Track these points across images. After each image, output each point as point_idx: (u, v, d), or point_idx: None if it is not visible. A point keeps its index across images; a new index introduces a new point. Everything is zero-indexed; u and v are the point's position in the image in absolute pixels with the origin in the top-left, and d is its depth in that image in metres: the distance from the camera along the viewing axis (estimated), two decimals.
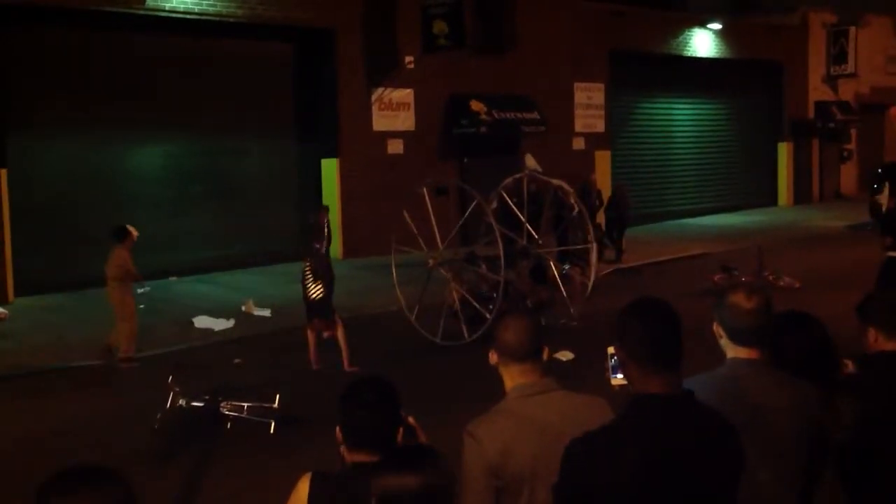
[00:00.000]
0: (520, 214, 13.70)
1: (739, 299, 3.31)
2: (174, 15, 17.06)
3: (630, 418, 2.73)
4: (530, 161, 15.72)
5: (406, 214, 13.02)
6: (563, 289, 13.28)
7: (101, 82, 17.05)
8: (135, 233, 12.12)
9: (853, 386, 3.73)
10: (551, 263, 13.75)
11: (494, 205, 14.05)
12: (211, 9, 17.51)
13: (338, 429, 3.03)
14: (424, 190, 13.23)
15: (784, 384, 3.28)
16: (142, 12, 16.64)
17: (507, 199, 14.00)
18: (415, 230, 12.95)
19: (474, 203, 12.88)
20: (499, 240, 12.11)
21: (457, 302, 12.47)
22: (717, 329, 3.38)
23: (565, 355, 10.85)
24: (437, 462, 2.57)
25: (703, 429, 2.73)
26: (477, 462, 3.07)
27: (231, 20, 17.98)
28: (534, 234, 13.64)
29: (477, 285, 12.80)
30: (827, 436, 3.34)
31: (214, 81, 18.52)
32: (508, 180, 14.40)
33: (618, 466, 2.63)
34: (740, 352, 3.32)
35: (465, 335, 11.99)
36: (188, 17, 17.27)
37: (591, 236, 14.09)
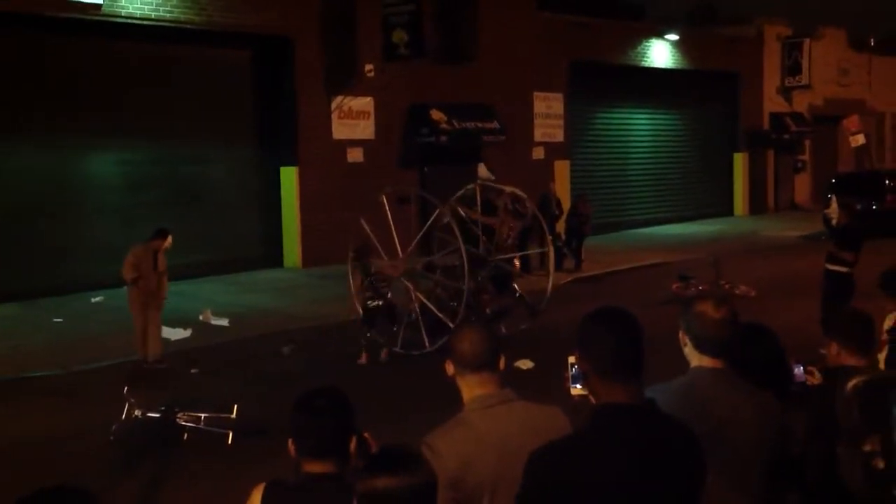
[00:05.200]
0: (473, 225, 13.75)
1: (707, 309, 3.32)
2: (130, 21, 16.87)
3: (594, 428, 2.72)
4: (482, 171, 15.77)
5: (363, 222, 12.95)
6: (525, 296, 13.33)
7: (57, 89, 16.80)
8: (167, 241, 11.89)
9: (803, 400, 3.76)
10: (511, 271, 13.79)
11: (447, 219, 14.08)
12: (168, 15, 17.35)
13: (290, 441, 3.01)
14: (384, 198, 13.20)
15: (748, 394, 3.30)
16: (97, 18, 16.43)
17: (460, 210, 14.05)
18: (373, 238, 12.91)
19: (437, 212, 12.86)
20: (462, 249, 12.11)
21: (416, 310, 12.45)
22: (683, 337, 3.39)
23: (525, 364, 10.87)
24: (420, 464, 2.56)
25: (666, 438, 2.73)
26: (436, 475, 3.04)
27: (188, 27, 17.82)
28: (484, 239, 13.69)
29: (436, 294, 12.78)
30: (787, 446, 3.36)
31: (172, 88, 18.32)
32: (461, 192, 14.45)
33: (582, 476, 2.62)
34: (705, 361, 3.33)
35: (426, 344, 11.98)
36: (145, 23, 17.08)
37: (547, 239, 14.25)
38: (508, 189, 14.25)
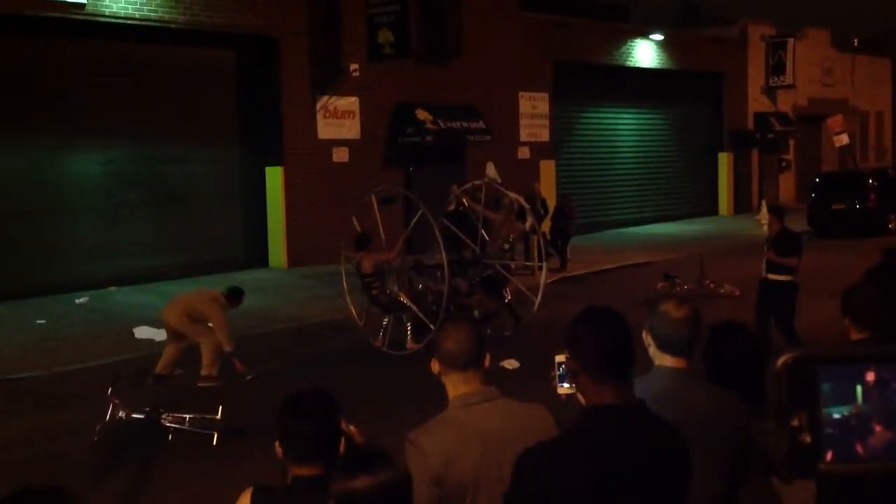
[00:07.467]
0: (476, 219, 13.70)
1: (669, 308, 3.33)
2: (114, 20, 16.77)
3: (584, 429, 2.71)
4: (491, 170, 15.67)
5: (354, 220, 12.94)
6: (513, 304, 13.29)
7: (39, 89, 16.67)
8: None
9: None
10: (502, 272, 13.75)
11: (452, 206, 13.98)
12: (152, 14, 17.26)
13: (277, 443, 2.99)
14: (373, 198, 13.19)
15: (709, 394, 3.32)
16: (81, 17, 16.32)
17: (467, 201, 13.93)
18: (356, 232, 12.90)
19: (419, 213, 12.81)
20: (442, 249, 12.08)
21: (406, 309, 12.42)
22: (646, 338, 3.39)
23: (511, 363, 10.87)
24: (392, 462, 2.55)
25: (656, 439, 2.73)
26: (419, 472, 3.03)
27: (172, 26, 17.74)
28: (486, 238, 13.66)
29: (424, 295, 12.75)
30: (750, 444, 3.36)
31: (156, 88, 18.23)
32: (467, 185, 14.37)
33: (572, 477, 2.62)
34: (667, 360, 3.34)
35: (407, 345, 11.99)
36: (128, 22, 16.99)
37: (542, 253, 14.19)
38: (513, 195, 14.20)
